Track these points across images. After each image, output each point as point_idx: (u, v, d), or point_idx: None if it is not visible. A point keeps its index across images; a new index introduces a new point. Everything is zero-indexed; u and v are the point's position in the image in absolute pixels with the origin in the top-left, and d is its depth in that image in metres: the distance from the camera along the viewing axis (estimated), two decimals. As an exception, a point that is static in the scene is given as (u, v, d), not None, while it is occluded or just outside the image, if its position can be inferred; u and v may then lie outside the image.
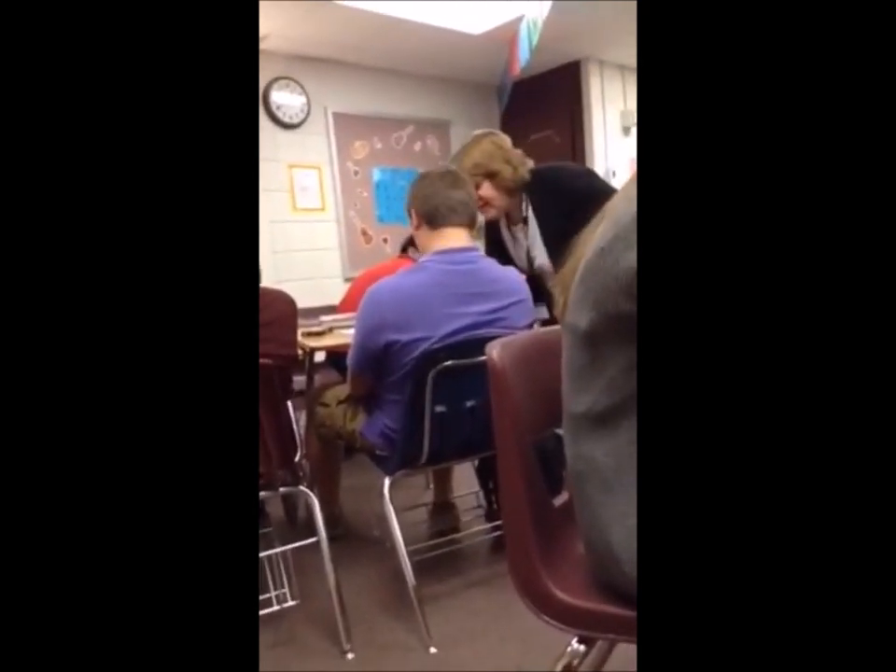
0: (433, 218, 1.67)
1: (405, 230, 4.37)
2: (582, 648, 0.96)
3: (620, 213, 0.73)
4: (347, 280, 4.16)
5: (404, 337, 1.59)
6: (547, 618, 0.93)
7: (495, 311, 1.66)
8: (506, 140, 2.10)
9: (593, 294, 0.75)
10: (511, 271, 1.77)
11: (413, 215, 1.73)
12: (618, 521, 0.79)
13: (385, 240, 4.41)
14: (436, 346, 1.60)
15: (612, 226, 0.73)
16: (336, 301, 3.20)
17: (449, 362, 1.61)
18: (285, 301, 1.66)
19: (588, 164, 4.49)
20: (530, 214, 2.13)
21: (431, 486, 2.54)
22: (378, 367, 1.68)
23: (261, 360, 1.50)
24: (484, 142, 2.08)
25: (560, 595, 0.91)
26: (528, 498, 0.99)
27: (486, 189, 2.06)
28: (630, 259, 0.69)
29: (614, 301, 0.72)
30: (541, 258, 2.15)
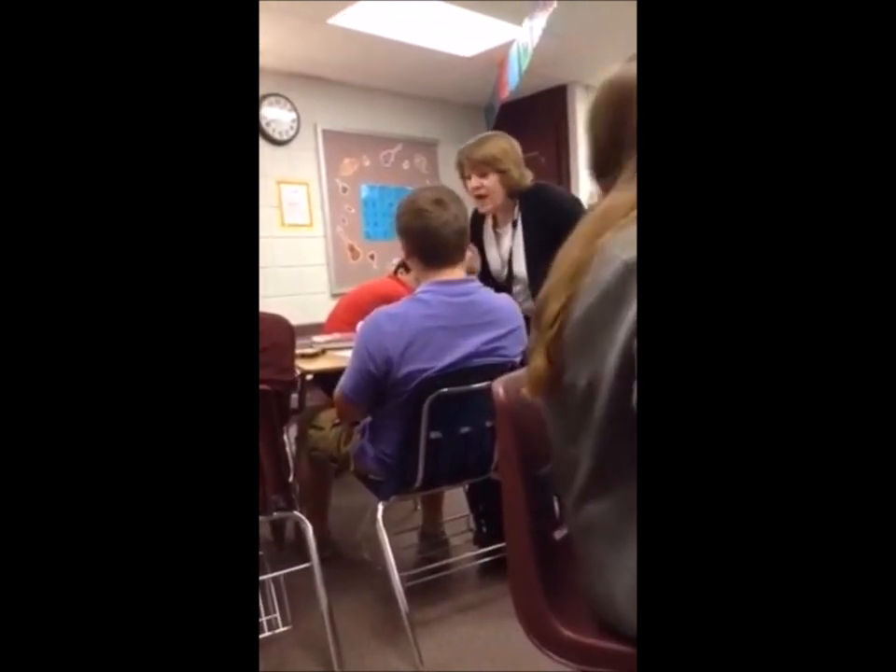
0: (428, 258, 1.69)
1: (392, 246, 4.42)
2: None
3: (603, 276, 0.72)
4: (334, 296, 4.16)
5: (404, 368, 1.60)
6: (552, 654, 0.94)
7: (491, 341, 1.68)
8: (518, 145, 2.16)
9: (587, 355, 0.74)
10: (505, 299, 1.80)
11: (404, 244, 1.74)
12: (623, 576, 0.79)
13: (373, 256, 4.42)
14: (433, 376, 1.62)
15: (596, 288, 0.72)
16: (323, 317, 3.20)
17: (446, 389, 1.63)
18: (283, 327, 1.66)
19: (573, 185, 4.56)
20: (520, 221, 2.18)
21: (418, 508, 2.55)
22: (374, 395, 1.69)
23: (260, 386, 1.50)
24: (502, 140, 2.14)
25: (565, 632, 0.93)
26: (532, 533, 1.01)
27: (492, 182, 2.11)
28: (624, 317, 0.69)
29: (608, 362, 0.71)
30: (518, 267, 2.20)
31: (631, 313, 0.68)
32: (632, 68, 0.80)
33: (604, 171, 0.85)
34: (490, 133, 2.21)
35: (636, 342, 0.66)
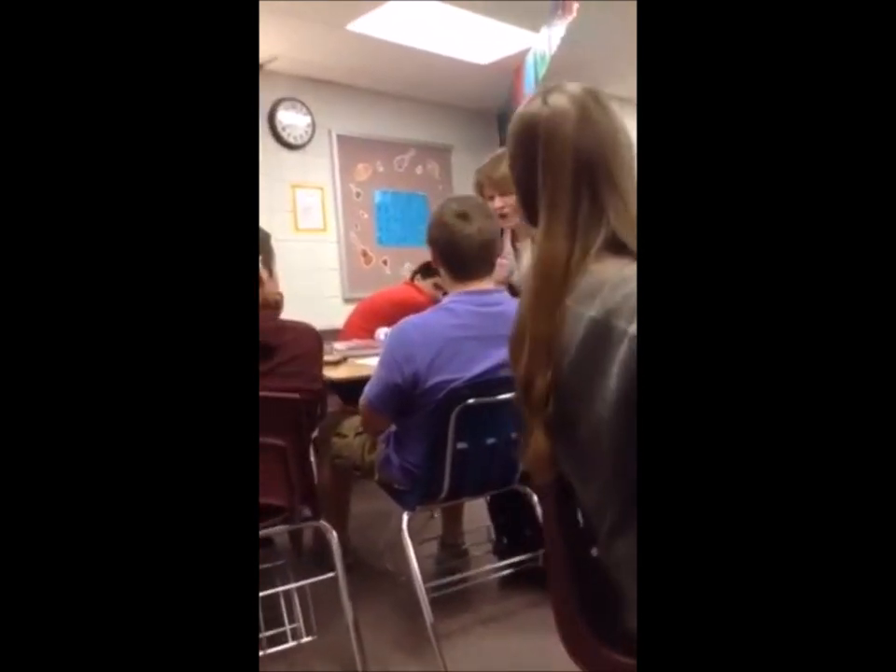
0: (457, 271, 1.69)
1: (405, 252, 4.42)
2: (629, 703, 0.96)
3: (575, 336, 0.72)
4: (347, 301, 4.16)
5: (432, 379, 1.60)
6: (598, 676, 0.94)
7: (519, 351, 1.68)
8: None
9: (579, 411, 0.73)
10: (533, 310, 1.79)
11: (432, 254, 1.75)
12: None
13: (385, 262, 4.42)
14: (461, 386, 1.61)
15: (572, 348, 0.72)
16: (336, 321, 3.20)
17: (473, 401, 1.63)
18: (311, 336, 1.66)
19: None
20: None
21: (435, 517, 2.54)
22: (399, 405, 1.68)
23: (290, 395, 1.50)
24: None
25: (610, 654, 0.92)
26: (571, 553, 1.00)
27: (515, 200, 2.09)
28: (605, 369, 0.68)
29: (601, 412, 0.70)
30: None
31: (612, 367, 0.68)
32: (535, 103, 0.81)
33: (531, 215, 0.86)
34: (503, 150, 2.19)
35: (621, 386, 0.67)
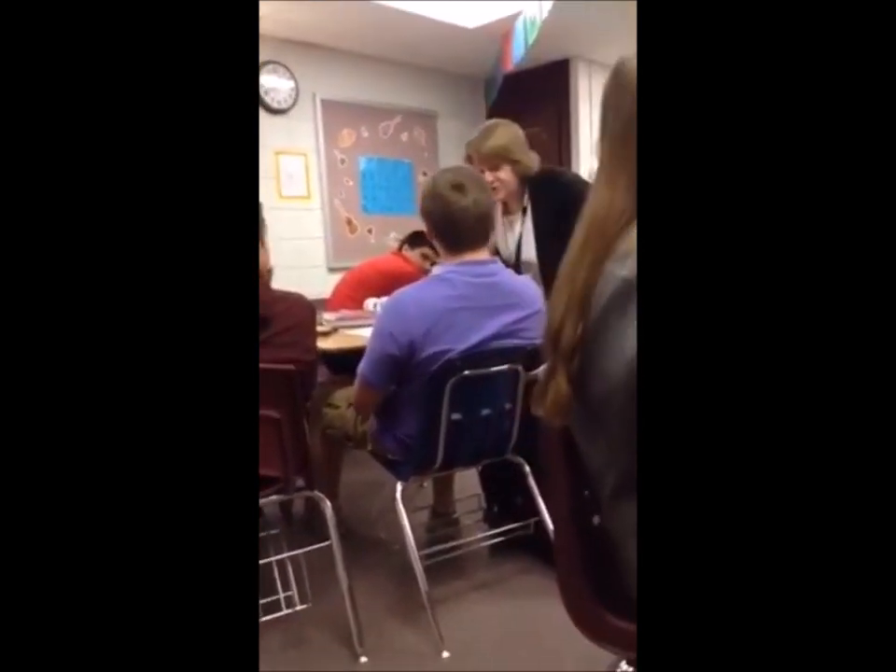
0: (453, 243, 1.67)
1: (390, 220, 4.37)
2: (631, 670, 0.98)
3: (604, 295, 0.72)
4: (331, 270, 4.12)
5: (427, 350, 1.59)
6: (600, 643, 0.95)
7: (514, 322, 1.67)
8: (521, 130, 2.16)
9: (597, 369, 0.75)
10: (527, 281, 1.79)
11: (426, 226, 1.73)
12: None
13: (370, 230, 4.37)
14: (456, 357, 1.61)
15: (598, 307, 0.73)
16: (320, 290, 3.17)
17: (468, 372, 1.63)
18: (304, 306, 1.64)
19: (573, 161, 4.53)
20: (529, 206, 2.17)
21: (424, 485, 2.56)
22: (394, 378, 1.68)
23: (285, 366, 1.49)
24: (507, 128, 2.12)
25: (613, 620, 0.94)
26: (577, 524, 1.01)
27: (506, 173, 2.11)
28: (625, 332, 0.69)
29: (617, 374, 0.72)
30: (528, 252, 2.19)
31: (631, 328, 0.68)
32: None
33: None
34: (492, 121, 2.18)
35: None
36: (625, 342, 0.70)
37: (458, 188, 1.64)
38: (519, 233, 2.21)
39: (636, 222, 0.72)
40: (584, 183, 2.26)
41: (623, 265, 0.70)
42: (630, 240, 0.72)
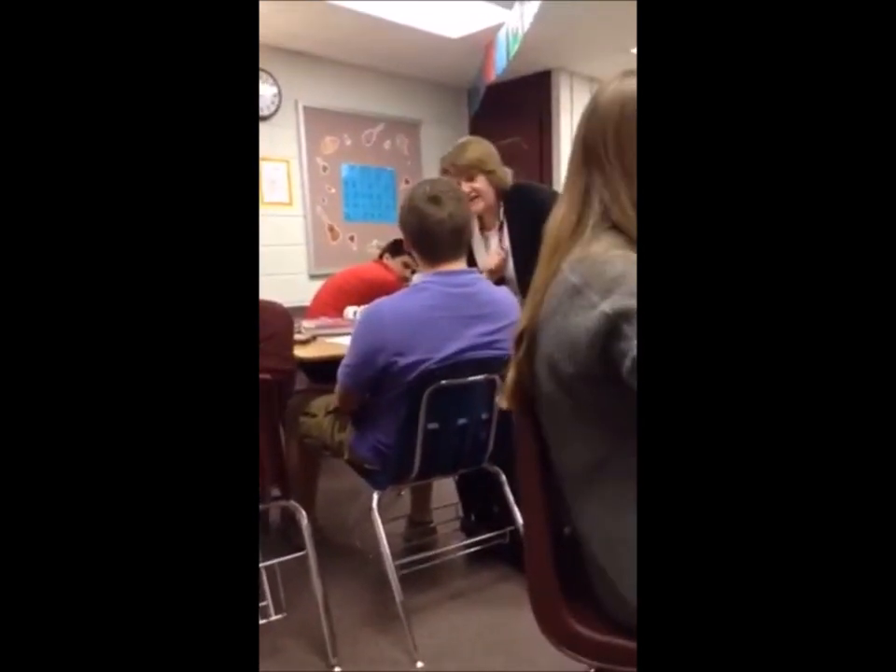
0: (430, 254, 1.69)
1: (372, 228, 4.38)
2: (600, 679, 0.99)
3: (556, 295, 0.79)
4: (312, 277, 4.12)
5: (404, 359, 1.60)
6: (567, 651, 0.96)
7: (490, 333, 1.69)
8: (494, 149, 2.21)
9: (550, 364, 0.80)
10: (504, 292, 1.81)
11: (406, 239, 1.75)
12: (623, 577, 0.83)
13: (352, 238, 4.37)
14: (433, 367, 1.62)
15: (548, 305, 0.80)
16: (301, 297, 3.17)
17: (445, 382, 1.64)
18: (281, 315, 1.65)
19: (555, 172, 4.56)
20: (505, 222, 2.19)
21: (402, 494, 2.56)
22: (372, 386, 1.69)
23: (262, 375, 1.49)
24: (481, 144, 2.18)
25: (581, 630, 0.95)
26: (549, 532, 1.02)
27: (482, 183, 2.15)
28: (570, 329, 0.76)
29: (565, 369, 0.78)
30: (508, 268, 2.21)
31: (574, 327, 0.76)
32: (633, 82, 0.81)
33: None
34: (466, 137, 2.25)
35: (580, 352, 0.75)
36: (570, 335, 0.77)
37: (434, 200, 1.65)
38: (496, 249, 2.23)
39: (588, 234, 0.81)
40: (557, 197, 2.29)
41: (574, 273, 0.77)
42: (584, 252, 0.79)
